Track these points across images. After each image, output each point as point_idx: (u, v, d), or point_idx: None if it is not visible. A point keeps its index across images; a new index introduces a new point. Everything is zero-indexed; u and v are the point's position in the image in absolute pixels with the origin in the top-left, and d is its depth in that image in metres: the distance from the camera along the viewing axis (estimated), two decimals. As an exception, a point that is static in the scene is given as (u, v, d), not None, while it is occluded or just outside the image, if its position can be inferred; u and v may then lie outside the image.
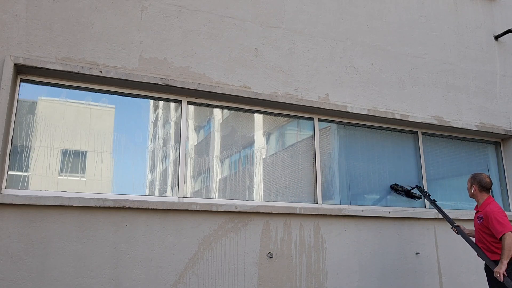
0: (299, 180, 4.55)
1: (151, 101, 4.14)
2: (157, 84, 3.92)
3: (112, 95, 3.96)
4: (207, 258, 3.83)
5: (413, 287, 4.67)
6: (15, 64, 3.46)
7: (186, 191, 4.06)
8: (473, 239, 4.22)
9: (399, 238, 4.72)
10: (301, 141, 4.70)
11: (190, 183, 4.11)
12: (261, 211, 4.07)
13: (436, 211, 4.68)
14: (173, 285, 3.67)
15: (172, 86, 3.98)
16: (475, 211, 4.08)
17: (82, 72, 3.66)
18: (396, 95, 5.13)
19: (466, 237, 4.02)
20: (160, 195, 3.97)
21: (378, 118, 4.98)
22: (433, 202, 4.45)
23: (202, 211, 3.86)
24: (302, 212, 4.25)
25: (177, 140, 4.14)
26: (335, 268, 4.32)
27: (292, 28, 4.72)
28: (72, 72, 3.64)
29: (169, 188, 4.03)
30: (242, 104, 4.43)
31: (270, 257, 4.07)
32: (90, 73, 3.69)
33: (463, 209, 5.39)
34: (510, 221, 5.11)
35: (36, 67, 3.54)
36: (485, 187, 3.97)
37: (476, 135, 5.71)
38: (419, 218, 4.88)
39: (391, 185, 4.96)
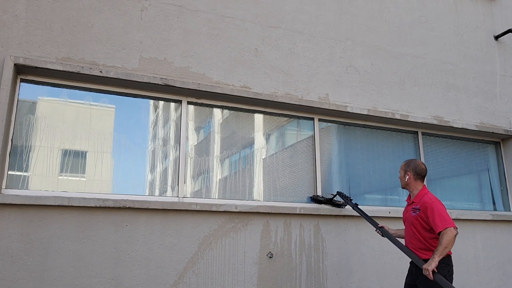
0: (299, 180, 4.55)
1: (151, 101, 4.14)
2: (157, 84, 3.92)
3: (112, 95, 3.96)
4: (207, 258, 3.83)
5: (413, 287, 4.67)
6: (15, 64, 3.47)
7: (186, 191, 4.06)
8: (403, 240, 3.70)
9: (399, 238, 4.72)
10: (301, 141, 4.70)
11: (190, 183, 4.11)
12: (261, 211, 4.07)
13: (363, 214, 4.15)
14: (173, 285, 3.67)
15: (172, 86, 3.98)
16: (407, 203, 3.62)
17: (82, 72, 3.66)
18: (396, 95, 5.12)
19: (391, 237, 3.65)
20: (160, 195, 3.97)
21: (378, 118, 4.98)
22: (355, 206, 4.08)
23: (202, 211, 3.86)
24: (302, 212, 4.25)
25: (177, 140, 4.14)
26: (335, 268, 4.32)
27: (292, 28, 4.72)
28: (72, 72, 3.64)
29: (169, 188, 4.03)
30: (242, 104, 4.43)
31: (270, 257, 4.07)
32: (90, 73, 3.69)
33: (463, 209, 5.39)
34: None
35: (36, 67, 3.54)
36: (421, 175, 3.54)
37: (476, 135, 5.71)
38: (419, 218, 4.87)
39: (310, 197, 4.46)
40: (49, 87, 3.75)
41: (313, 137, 4.72)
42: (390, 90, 5.11)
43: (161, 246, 3.69)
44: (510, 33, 6.01)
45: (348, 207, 4.44)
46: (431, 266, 3.10)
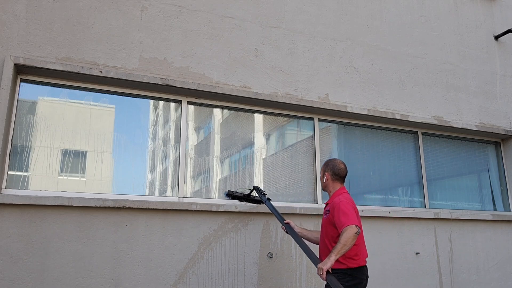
0: (299, 180, 4.55)
1: (151, 101, 4.14)
2: (157, 84, 3.92)
3: (112, 95, 3.96)
4: (207, 258, 3.83)
5: (413, 287, 4.67)
6: (15, 64, 3.46)
7: (186, 191, 4.06)
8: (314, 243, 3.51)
9: (399, 238, 4.72)
10: (301, 141, 4.70)
11: (190, 183, 4.11)
12: (261, 211, 4.07)
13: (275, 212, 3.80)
14: (173, 285, 3.67)
15: (172, 86, 3.98)
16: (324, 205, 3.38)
17: (82, 72, 3.66)
18: (396, 95, 5.12)
19: (294, 235, 3.38)
20: (160, 195, 3.97)
21: (378, 118, 4.98)
22: (267, 201, 3.78)
23: (202, 211, 3.86)
24: (302, 212, 4.25)
25: (177, 140, 4.14)
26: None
27: (292, 28, 4.72)
28: (72, 72, 3.64)
29: (169, 188, 4.03)
30: (242, 104, 4.43)
31: (270, 257, 4.06)
32: (90, 73, 3.69)
33: (463, 209, 5.39)
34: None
35: (36, 67, 3.54)
36: (339, 175, 3.29)
37: (476, 135, 5.71)
38: (419, 218, 4.88)
39: (226, 193, 3.92)
40: (49, 87, 3.75)
41: (313, 137, 4.72)
42: (390, 90, 5.11)
43: (161, 246, 3.69)
44: (510, 33, 6.01)
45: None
46: (326, 265, 2.82)
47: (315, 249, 3.42)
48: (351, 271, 3.02)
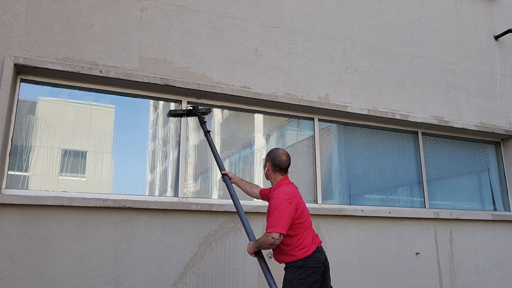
0: (299, 180, 4.55)
1: (151, 101, 4.14)
2: (157, 84, 3.92)
3: (112, 95, 3.96)
4: (207, 258, 3.83)
5: (413, 287, 4.67)
6: (15, 64, 3.46)
7: (186, 191, 4.06)
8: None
9: (399, 238, 4.72)
10: (301, 141, 4.70)
11: (190, 183, 4.11)
12: (261, 211, 4.07)
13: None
14: (173, 285, 3.67)
15: (172, 86, 3.98)
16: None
17: (82, 72, 3.66)
18: (396, 95, 5.13)
19: (230, 189, 3.31)
20: (160, 195, 3.97)
21: (378, 118, 4.98)
22: (207, 133, 3.67)
23: (202, 211, 3.86)
24: (302, 212, 4.24)
25: (177, 140, 4.14)
26: (335, 268, 4.32)
27: (292, 28, 4.72)
28: (72, 72, 3.64)
29: (169, 188, 4.03)
30: (242, 104, 4.43)
31: (270, 257, 4.06)
32: (90, 73, 3.69)
33: (463, 209, 5.39)
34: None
35: (36, 67, 3.54)
36: (279, 166, 3.15)
37: (476, 135, 5.71)
38: (419, 218, 4.88)
39: (168, 113, 3.82)
40: (49, 87, 3.75)
41: (313, 137, 4.72)
42: (390, 90, 5.11)
43: (161, 246, 3.68)
44: (510, 33, 6.01)
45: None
46: (249, 249, 3.07)
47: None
48: (301, 262, 2.95)
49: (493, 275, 5.16)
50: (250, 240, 3.14)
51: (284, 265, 3.04)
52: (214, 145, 3.64)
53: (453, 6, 5.91)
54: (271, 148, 3.36)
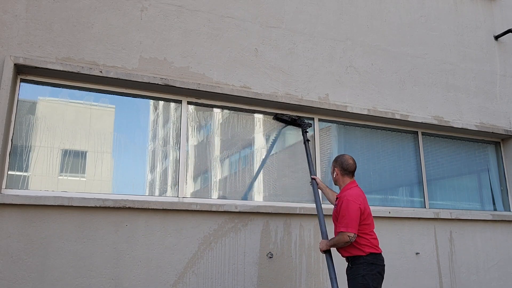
0: (299, 180, 4.55)
1: (151, 101, 4.14)
2: (157, 84, 3.92)
3: (112, 95, 3.96)
4: (207, 258, 3.83)
5: (413, 287, 4.67)
6: (15, 64, 3.46)
7: (186, 191, 4.06)
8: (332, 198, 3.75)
9: (399, 238, 4.72)
10: (301, 141, 4.70)
11: (190, 183, 4.11)
12: (261, 211, 4.07)
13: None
14: (173, 285, 3.67)
15: (172, 86, 3.98)
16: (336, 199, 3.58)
17: (82, 72, 3.66)
18: (396, 95, 5.12)
19: (315, 193, 3.65)
20: (160, 195, 3.97)
21: (378, 118, 4.98)
22: (306, 142, 4.14)
23: (202, 211, 3.86)
24: (302, 212, 4.25)
25: (177, 140, 4.14)
26: (335, 268, 4.31)
27: (292, 28, 4.72)
28: (72, 72, 3.64)
29: (169, 188, 4.03)
30: (242, 104, 4.43)
31: (270, 257, 4.07)
32: (90, 73, 3.69)
33: (463, 209, 5.39)
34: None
35: (36, 67, 3.54)
36: (347, 170, 3.48)
37: (476, 135, 5.71)
38: (419, 218, 4.88)
39: (275, 114, 4.49)
40: (49, 87, 3.75)
41: (313, 137, 4.72)
42: (390, 90, 5.11)
43: (161, 246, 3.69)
44: (510, 33, 6.01)
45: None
46: (322, 247, 3.44)
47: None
48: (372, 259, 3.24)
49: (493, 275, 5.16)
50: (322, 239, 3.51)
51: (350, 260, 3.32)
52: (310, 153, 4.12)
53: (453, 6, 5.91)
54: (338, 155, 3.68)
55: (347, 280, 3.33)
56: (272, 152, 4.56)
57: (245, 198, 4.28)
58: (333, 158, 3.61)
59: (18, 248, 3.26)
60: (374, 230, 3.40)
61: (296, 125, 4.48)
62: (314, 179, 3.82)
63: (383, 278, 3.29)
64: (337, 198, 3.49)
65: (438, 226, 4.98)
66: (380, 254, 3.32)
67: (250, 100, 4.35)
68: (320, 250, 3.47)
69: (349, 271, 3.34)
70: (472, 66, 5.77)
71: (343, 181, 3.51)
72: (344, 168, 3.49)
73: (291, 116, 4.44)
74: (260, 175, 4.43)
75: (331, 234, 3.65)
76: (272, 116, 4.50)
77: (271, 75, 4.47)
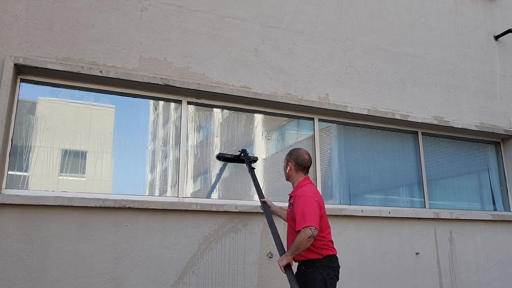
0: (299, 180, 4.55)
1: (151, 101, 4.14)
2: (157, 84, 3.92)
3: (112, 95, 3.96)
4: (207, 258, 3.83)
5: (413, 287, 4.67)
6: (15, 64, 3.46)
7: (186, 191, 4.06)
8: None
9: (399, 238, 4.73)
10: (301, 141, 4.70)
11: (190, 183, 4.11)
12: (261, 211, 4.07)
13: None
14: (173, 285, 3.67)
15: (172, 86, 3.98)
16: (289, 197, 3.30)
17: (82, 72, 3.66)
18: (396, 95, 5.13)
19: (268, 217, 3.36)
20: (160, 195, 3.97)
21: (378, 118, 4.98)
22: (251, 171, 3.90)
23: (202, 211, 3.86)
24: (302, 212, 4.24)
25: (177, 140, 4.14)
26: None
27: (292, 28, 4.72)
28: (72, 72, 3.64)
29: (169, 188, 4.03)
30: (242, 104, 4.43)
31: (270, 257, 4.07)
32: (90, 73, 3.69)
33: (463, 209, 5.39)
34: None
35: (36, 67, 3.54)
36: (302, 166, 3.18)
37: (476, 135, 5.71)
38: (419, 218, 4.88)
39: (217, 155, 4.16)
40: (49, 87, 3.75)
41: (313, 137, 4.72)
42: (390, 90, 5.11)
43: (161, 246, 3.69)
44: (510, 33, 6.01)
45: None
46: (282, 262, 2.94)
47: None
48: (327, 262, 2.99)
49: (493, 275, 5.16)
50: (280, 257, 3.06)
51: (303, 263, 3.03)
52: (256, 178, 3.90)
53: (453, 6, 5.91)
54: (292, 148, 3.37)
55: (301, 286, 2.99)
56: (272, 152, 4.56)
57: (245, 198, 4.28)
58: (288, 152, 3.30)
59: (18, 248, 3.26)
60: (330, 232, 3.14)
61: (240, 161, 4.17)
62: (265, 202, 3.59)
63: (338, 280, 3.07)
64: (290, 197, 3.21)
65: (438, 226, 4.98)
66: (335, 255, 3.09)
67: (250, 100, 4.35)
68: (281, 268, 2.98)
69: (302, 276, 3.02)
70: (472, 66, 5.77)
71: (297, 178, 3.21)
72: (299, 163, 3.19)
73: (233, 154, 4.15)
74: (261, 175, 4.43)
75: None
76: (215, 156, 4.21)
77: (271, 75, 4.48)
